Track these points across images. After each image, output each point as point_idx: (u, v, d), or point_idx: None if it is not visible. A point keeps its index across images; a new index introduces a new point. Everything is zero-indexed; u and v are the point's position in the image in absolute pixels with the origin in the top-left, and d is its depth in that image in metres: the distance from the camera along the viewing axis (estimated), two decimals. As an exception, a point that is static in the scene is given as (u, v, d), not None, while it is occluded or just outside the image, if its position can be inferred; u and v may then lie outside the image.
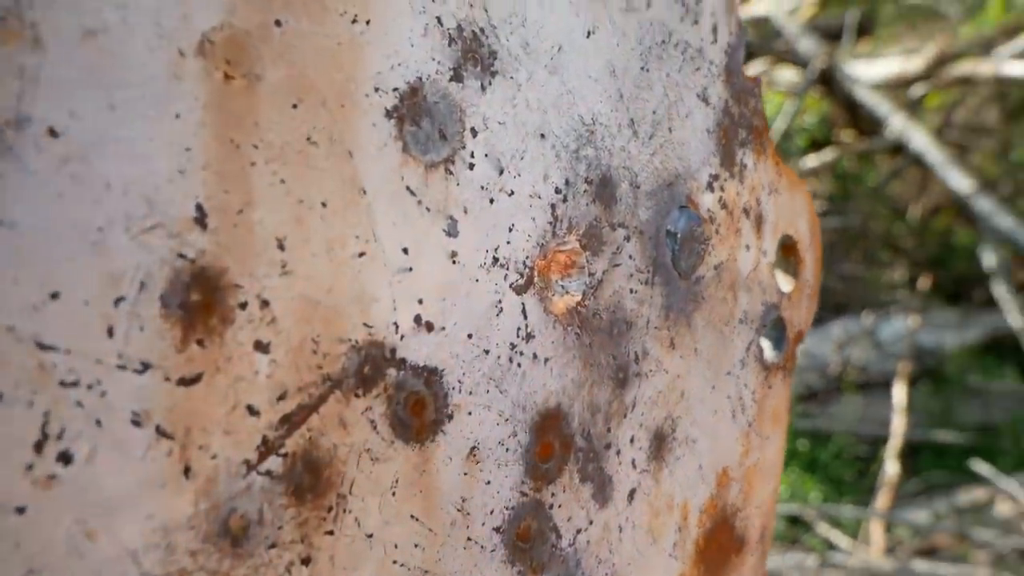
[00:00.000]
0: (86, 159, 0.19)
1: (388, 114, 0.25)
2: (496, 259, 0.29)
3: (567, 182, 0.31)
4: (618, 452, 0.34)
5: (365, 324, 0.25)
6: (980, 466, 1.95)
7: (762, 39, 3.25)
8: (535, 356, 0.30)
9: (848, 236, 3.46)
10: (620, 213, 0.33)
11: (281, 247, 0.23)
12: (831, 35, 3.41)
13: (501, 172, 0.29)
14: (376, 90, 0.25)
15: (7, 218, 0.18)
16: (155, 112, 0.20)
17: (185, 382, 0.21)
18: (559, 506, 0.31)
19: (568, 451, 0.32)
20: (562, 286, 0.31)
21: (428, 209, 0.26)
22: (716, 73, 0.38)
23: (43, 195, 0.19)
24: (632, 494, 0.35)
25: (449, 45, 0.27)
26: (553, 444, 0.31)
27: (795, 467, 2.55)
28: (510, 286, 0.29)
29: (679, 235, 0.36)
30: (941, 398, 2.75)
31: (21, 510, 0.19)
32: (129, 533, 0.20)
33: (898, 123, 2.63)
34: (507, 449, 0.29)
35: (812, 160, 3.25)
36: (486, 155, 0.28)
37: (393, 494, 0.26)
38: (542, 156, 0.30)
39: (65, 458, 0.19)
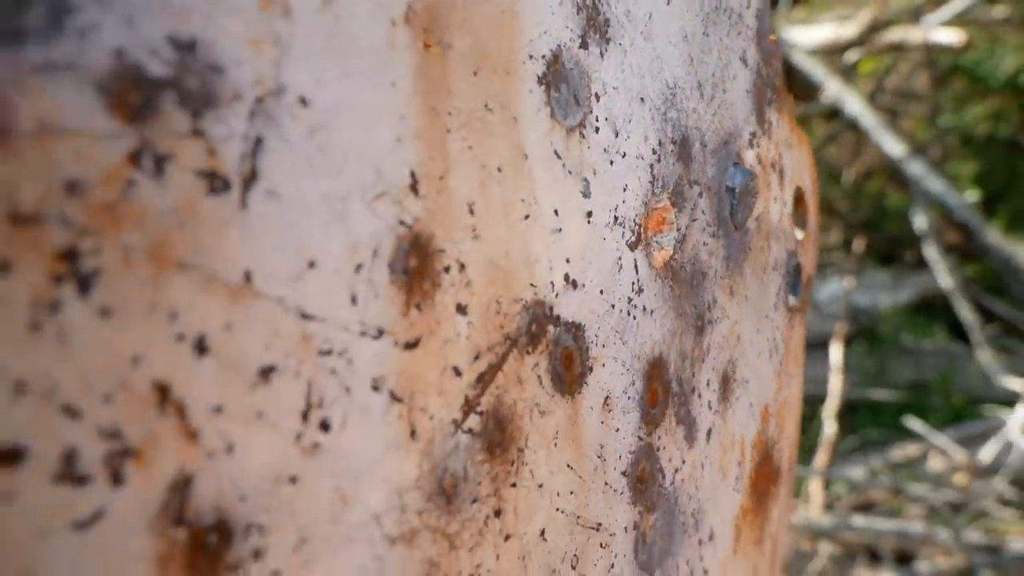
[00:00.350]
0: (329, 128, 0.19)
1: (539, 80, 0.26)
2: (616, 218, 0.30)
3: (659, 143, 0.33)
4: (699, 395, 0.37)
5: (531, 284, 0.26)
6: (913, 423, 2.12)
7: None
8: (644, 308, 0.32)
9: None
10: (695, 171, 0.36)
11: (471, 212, 0.23)
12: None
13: (617, 135, 0.30)
14: (531, 57, 0.26)
15: (273, 188, 0.18)
16: (378, 80, 0.20)
17: (409, 346, 0.22)
18: (663, 448, 0.34)
19: (668, 396, 0.34)
20: (657, 242, 0.33)
21: (570, 172, 0.28)
22: (751, 36, 0.41)
23: (298, 165, 0.19)
24: (709, 433, 0.38)
25: (577, 14, 0.28)
26: (658, 390, 0.33)
27: None
28: (626, 243, 0.31)
29: (736, 190, 0.38)
30: (875, 357, 2.92)
31: (293, 479, 0.19)
32: (374, 497, 0.21)
33: (833, 88, 2.77)
34: (628, 397, 0.31)
35: None
36: (606, 119, 0.29)
37: (555, 445, 0.27)
38: (643, 119, 0.32)
39: (325, 426, 0.20)
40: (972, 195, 3.26)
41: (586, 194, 0.28)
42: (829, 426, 2.19)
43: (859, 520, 1.80)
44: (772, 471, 0.46)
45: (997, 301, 2.97)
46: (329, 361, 0.20)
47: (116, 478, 0.16)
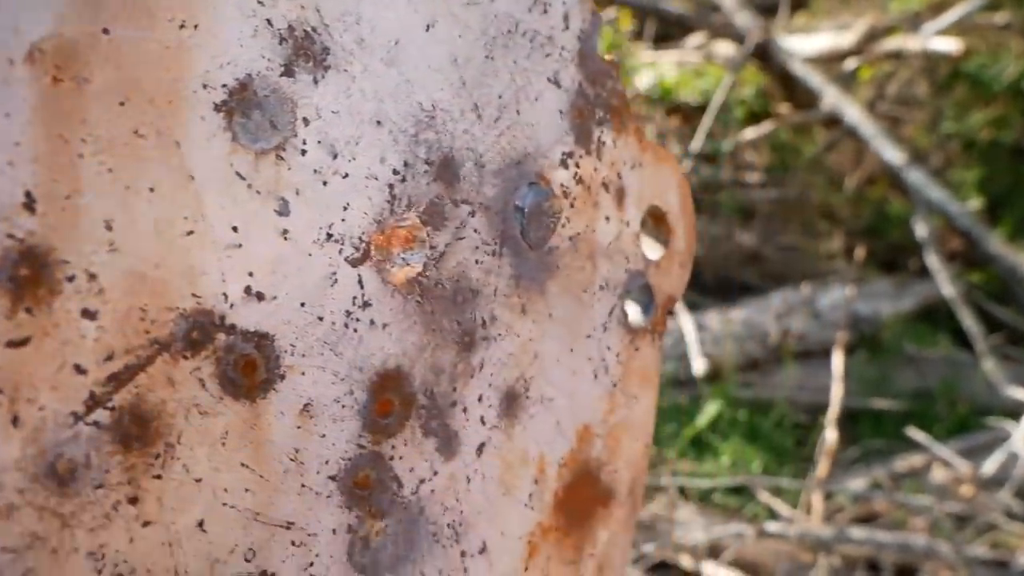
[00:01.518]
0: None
1: (217, 108, 0.28)
2: (330, 235, 0.32)
3: (405, 164, 0.34)
4: (464, 409, 0.38)
5: (193, 294, 0.28)
6: (916, 433, 2.01)
7: (700, 13, 3.26)
8: (372, 322, 0.33)
9: (786, 207, 3.53)
10: (464, 191, 0.37)
11: (109, 227, 0.26)
12: (767, 9, 3.44)
13: (335, 156, 0.32)
14: (204, 87, 0.28)
15: None
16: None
17: (14, 344, 0.24)
18: (400, 458, 0.35)
19: (409, 408, 0.35)
20: (403, 259, 0.35)
21: (258, 192, 0.30)
22: (569, 58, 0.41)
23: None
24: (481, 448, 0.39)
25: (280, 44, 0.30)
26: (393, 401, 0.35)
27: (736, 437, 2.62)
28: (345, 259, 0.32)
29: (526, 209, 0.39)
30: (878, 365, 2.81)
31: None
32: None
33: (832, 95, 2.69)
34: (343, 406, 0.33)
35: (750, 132, 3.30)
36: (319, 141, 0.31)
37: (223, 444, 0.29)
38: (378, 141, 0.33)
39: None
40: (975, 202, 3.10)
41: (282, 212, 0.30)
42: (830, 434, 2.11)
43: (859, 532, 1.71)
44: (598, 493, 0.46)
45: (1002, 309, 2.79)
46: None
47: None
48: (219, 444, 0.29)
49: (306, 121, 0.31)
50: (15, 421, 0.25)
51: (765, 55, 2.96)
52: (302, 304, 0.31)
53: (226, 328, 0.29)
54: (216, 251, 0.29)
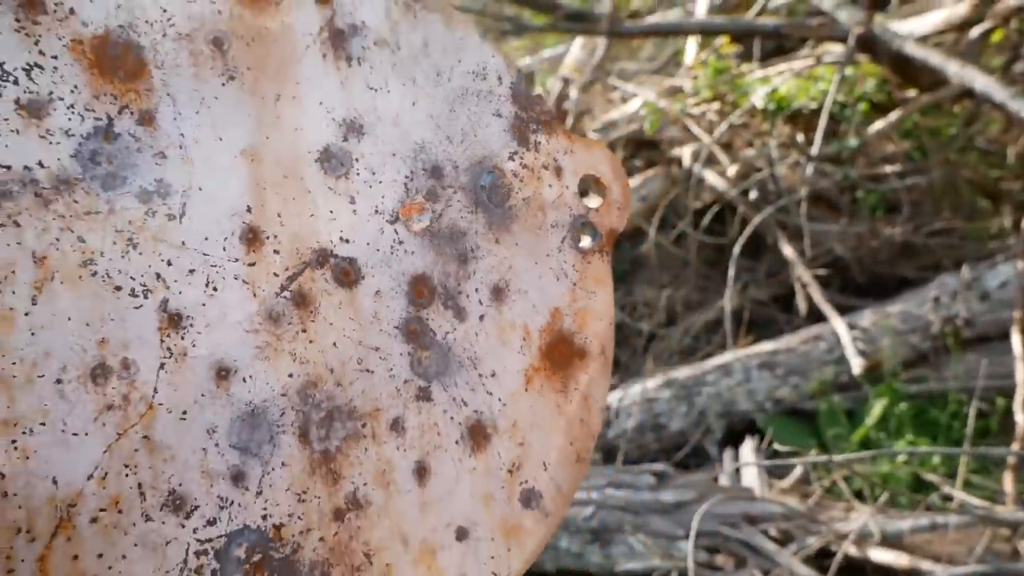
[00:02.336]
0: None
1: (317, 159, 0.64)
2: (378, 210, 0.66)
3: (411, 172, 0.68)
4: (467, 296, 0.70)
5: (317, 241, 0.64)
6: None
7: (796, 21, 3.34)
8: (405, 251, 0.67)
9: (935, 193, 3.39)
10: (448, 181, 0.70)
11: (279, 219, 0.62)
12: (873, 3, 3.43)
13: (373, 173, 0.66)
14: (308, 152, 0.64)
15: None
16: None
17: (251, 265, 0.61)
18: (432, 319, 0.68)
19: (433, 294, 0.68)
20: (417, 219, 0.68)
21: (339, 194, 0.65)
22: (505, 99, 0.73)
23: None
24: (481, 317, 0.70)
25: (339, 127, 0.65)
26: (423, 291, 0.68)
27: (910, 433, 2.59)
28: (387, 221, 0.67)
29: (487, 186, 0.71)
30: None
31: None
32: (234, 296, 0.60)
33: (955, 69, 2.65)
34: (395, 292, 0.66)
35: (879, 124, 3.28)
36: (365, 167, 0.66)
37: (340, 307, 0.64)
38: (395, 163, 0.68)
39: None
40: None
41: (352, 202, 0.65)
42: (1020, 419, 2.08)
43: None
44: (574, 351, 0.75)
45: None
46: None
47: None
48: (338, 306, 0.64)
49: (356, 160, 0.66)
50: (255, 295, 0.61)
51: (872, 46, 3.02)
52: (367, 243, 0.66)
53: (333, 255, 0.64)
54: (325, 222, 0.64)
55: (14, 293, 0.52)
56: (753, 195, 3.75)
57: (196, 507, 0.57)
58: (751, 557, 2.19)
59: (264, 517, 0.59)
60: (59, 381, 0.53)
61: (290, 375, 0.62)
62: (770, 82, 3.85)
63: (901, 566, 2.05)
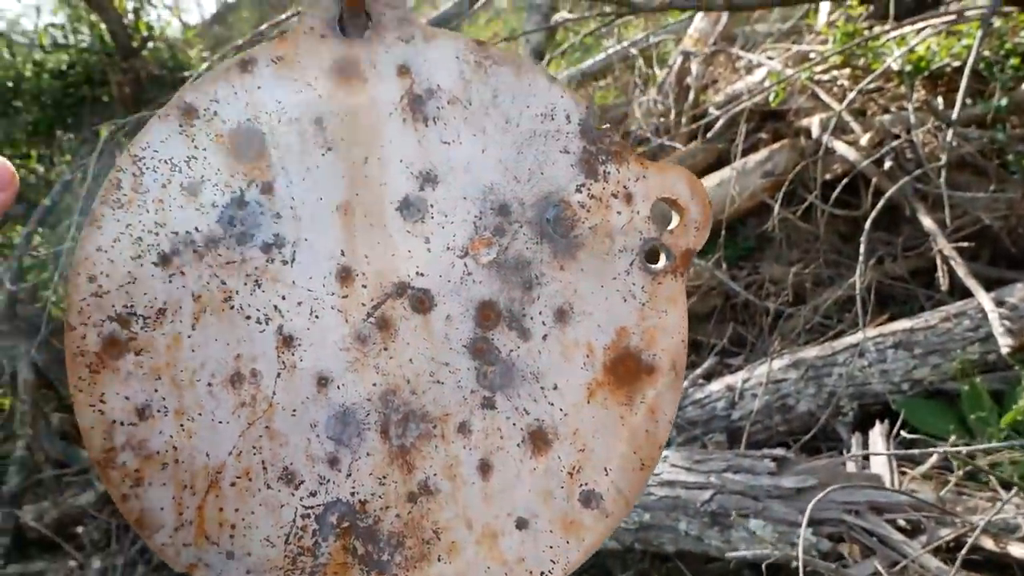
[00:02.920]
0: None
1: (398, 208, 0.78)
2: (449, 247, 0.78)
3: (480, 212, 0.78)
4: (531, 318, 0.79)
5: (398, 276, 0.77)
6: None
7: None
8: (473, 280, 0.78)
9: None
10: (514, 216, 0.78)
11: (367, 259, 0.78)
12: None
13: (446, 215, 0.78)
14: (390, 202, 0.78)
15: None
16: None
17: (343, 297, 0.77)
18: (497, 339, 0.78)
19: (499, 318, 0.78)
20: (486, 253, 0.79)
21: (415, 236, 0.78)
22: (574, 135, 0.79)
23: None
24: (545, 336, 0.79)
25: (416, 179, 0.78)
26: (490, 314, 0.78)
27: None
28: (457, 256, 0.78)
29: (551, 219, 0.78)
30: None
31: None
32: (331, 321, 0.78)
33: None
34: (463, 315, 0.78)
35: None
36: (439, 211, 0.78)
37: (415, 330, 0.78)
38: (467, 204, 0.78)
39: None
40: None
41: (427, 242, 0.78)
42: None
43: None
44: (641, 367, 0.79)
45: None
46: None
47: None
48: (415, 330, 0.78)
49: (431, 205, 0.78)
50: (346, 320, 0.77)
51: None
52: (440, 276, 0.78)
53: (411, 287, 0.78)
54: (404, 260, 0.78)
55: (181, 322, 0.74)
56: (888, 164, 3.22)
57: (302, 481, 0.76)
58: (877, 548, 1.98)
59: (352, 494, 0.77)
60: (210, 384, 0.75)
61: (374, 384, 0.78)
62: (906, 43, 3.18)
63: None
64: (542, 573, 0.78)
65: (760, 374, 3.16)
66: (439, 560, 0.77)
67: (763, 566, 2.15)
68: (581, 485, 0.78)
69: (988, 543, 2.01)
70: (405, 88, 0.77)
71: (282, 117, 0.76)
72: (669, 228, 0.80)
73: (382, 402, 0.77)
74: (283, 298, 0.76)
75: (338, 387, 0.76)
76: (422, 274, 0.77)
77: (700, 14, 4.62)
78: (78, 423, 0.75)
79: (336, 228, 0.76)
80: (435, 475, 0.77)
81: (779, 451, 2.59)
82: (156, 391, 0.75)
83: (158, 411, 0.74)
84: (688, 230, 0.80)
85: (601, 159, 0.79)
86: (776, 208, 3.68)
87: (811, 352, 3.20)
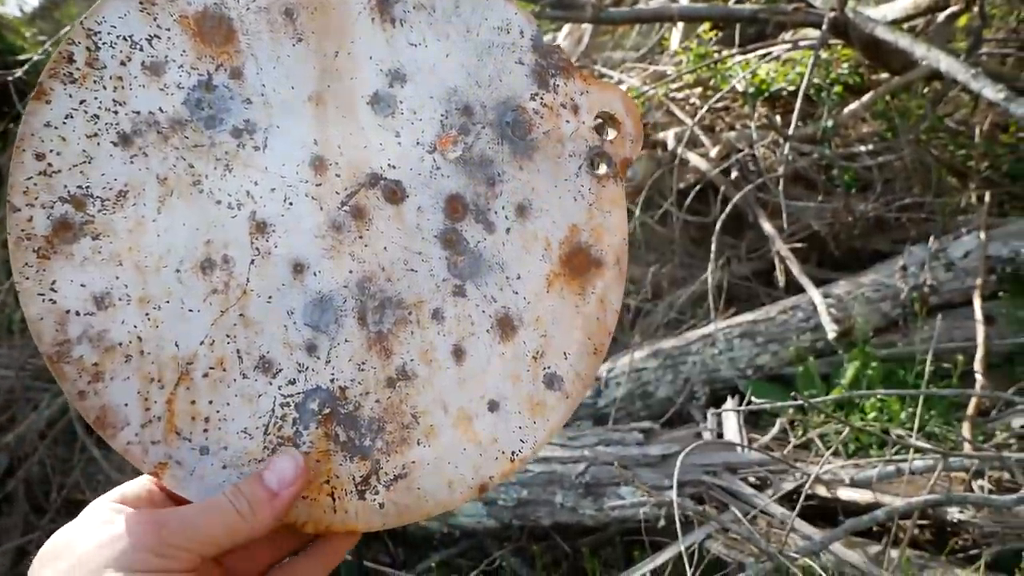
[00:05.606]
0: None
1: (369, 103, 0.80)
2: (419, 142, 0.81)
3: (446, 111, 0.83)
4: (495, 212, 0.84)
5: (370, 167, 0.79)
6: None
7: (774, 7, 3.39)
8: (442, 174, 0.82)
9: (906, 171, 3.41)
10: (477, 117, 0.84)
11: (340, 147, 0.79)
12: None
13: (415, 112, 0.81)
14: (362, 97, 0.80)
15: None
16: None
17: (317, 185, 0.78)
18: (465, 231, 0.82)
19: (466, 211, 0.83)
20: (452, 149, 0.83)
21: (386, 129, 0.80)
22: (526, 49, 0.86)
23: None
24: (508, 230, 0.84)
25: (386, 76, 0.81)
26: (458, 207, 0.82)
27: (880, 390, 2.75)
28: (427, 151, 0.82)
29: (510, 122, 0.85)
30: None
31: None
32: (304, 208, 0.77)
33: (921, 51, 2.65)
34: (435, 208, 0.81)
35: (852, 106, 3.29)
36: (408, 108, 0.81)
37: (389, 219, 0.80)
38: (433, 104, 0.82)
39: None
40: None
41: (397, 136, 0.81)
42: (979, 378, 2.25)
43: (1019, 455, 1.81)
44: (590, 260, 0.87)
45: None
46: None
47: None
48: (386, 221, 0.80)
49: (400, 102, 0.81)
50: (320, 208, 0.77)
51: (846, 30, 3.05)
52: (410, 169, 0.81)
53: (383, 178, 0.80)
54: (376, 152, 0.80)
55: (145, 205, 0.70)
56: (734, 175, 3.88)
57: (280, 370, 0.74)
58: (731, 502, 2.32)
59: (332, 380, 0.76)
60: (178, 271, 0.71)
61: (350, 271, 0.78)
62: (750, 67, 3.93)
63: (866, 501, 2.20)
64: (514, 452, 0.82)
65: (623, 364, 3.36)
66: (418, 443, 0.78)
67: (642, 526, 2.32)
68: (544, 368, 0.84)
69: (822, 491, 2.32)
70: None
71: (251, 5, 0.76)
72: (608, 139, 0.89)
73: (359, 289, 0.78)
74: (255, 184, 0.75)
75: (314, 274, 0.76)
76: (394, 166, 0.79)
77: (563, 34, 4.94)
78: (25, 314, 0.67)
79: (308, 117, 0.77)
80: (412, 360, 0.79)
81: (646, 424, 2.81)
82: (117, 278, 0.70)
83: (120, 299, 0.69)
84: (624, 141, 0.90)
85: (551, 72, 0.87)
86: (636, 213, 3.98)
87: (668, 343, 3.46)
